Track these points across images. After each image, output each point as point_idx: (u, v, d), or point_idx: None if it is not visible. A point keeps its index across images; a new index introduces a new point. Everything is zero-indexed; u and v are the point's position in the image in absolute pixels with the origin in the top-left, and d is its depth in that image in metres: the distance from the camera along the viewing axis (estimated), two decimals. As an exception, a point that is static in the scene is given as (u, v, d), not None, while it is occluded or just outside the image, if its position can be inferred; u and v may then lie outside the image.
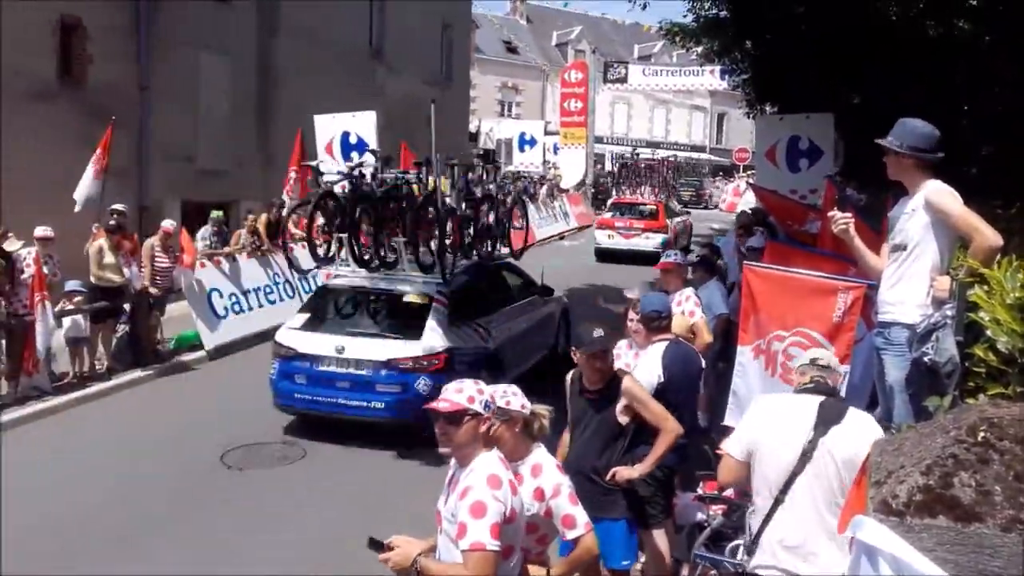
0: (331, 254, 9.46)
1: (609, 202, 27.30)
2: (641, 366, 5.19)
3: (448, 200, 9.71)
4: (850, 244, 4.46)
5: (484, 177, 11.40)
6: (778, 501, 3.44)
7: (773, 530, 3.46)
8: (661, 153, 43.73)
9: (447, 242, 9.25)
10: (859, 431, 3.34)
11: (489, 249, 11.15)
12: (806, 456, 3.40)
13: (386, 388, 8.30)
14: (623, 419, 4.67)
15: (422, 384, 8.10)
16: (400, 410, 8.14)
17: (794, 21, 12.54)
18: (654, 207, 23.90)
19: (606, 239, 22.73)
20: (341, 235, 9.15)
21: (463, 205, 10.18)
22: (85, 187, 11.34)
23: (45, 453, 8.21)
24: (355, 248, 9.09)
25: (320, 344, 8.60)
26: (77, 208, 11.31)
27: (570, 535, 3.77)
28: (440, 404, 3.26)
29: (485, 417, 3.27)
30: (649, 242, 21.60)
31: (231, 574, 5.89)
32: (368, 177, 9.26)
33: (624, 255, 21.16)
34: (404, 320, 8.75)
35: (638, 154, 37.32)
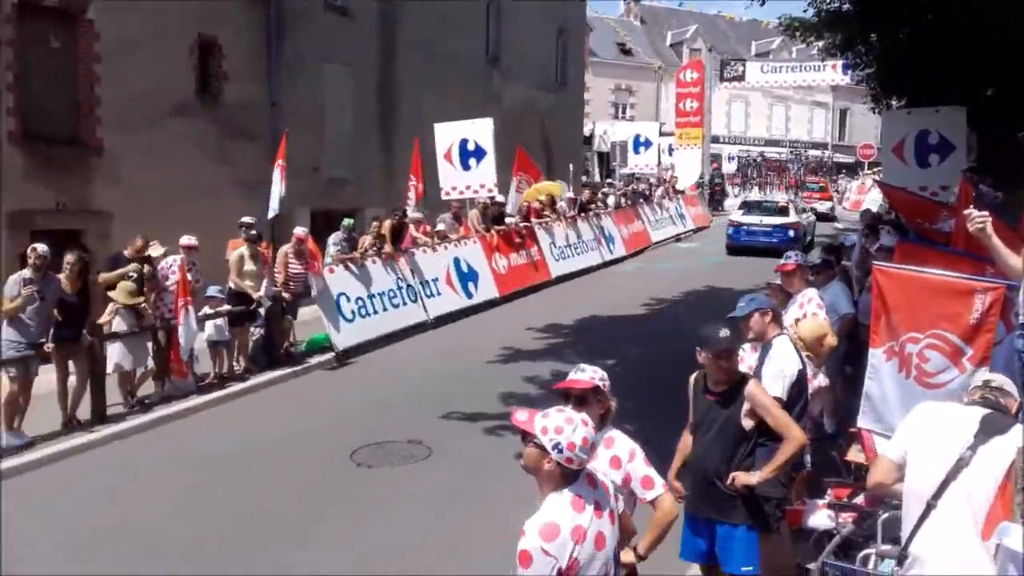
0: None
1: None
2: (777, 359, 5.11)
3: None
4: (987, 243, 4.30)
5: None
6: (930, 507, 3.35)
7: (923, 537, 3.38)
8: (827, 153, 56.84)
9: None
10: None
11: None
12: (962, 462, 3.29)
13: (777, 235, 22.44)
14: (747, 423, 4.62)
15: (790, 232, 22.53)
16: (782, 242, 21.12)
17: (922, 11, 12.09)
18: (823, 184, 42.27)
19: None
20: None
21: None
22: (276, 194, 12.39)
23: (188, 449, 8.74)
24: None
25: (751, 219, 23.70)
26: (271, 214, 12.52)
27: (649, 495, 3.89)
28: (518, 414, 3.08)
29: (549, 457, 2.97)
30: (822, 205, 34.71)
31: (355, 574, 6.13)
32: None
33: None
34: (780, 211, 24.20)
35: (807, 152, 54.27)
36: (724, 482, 4.58)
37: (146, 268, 10.02)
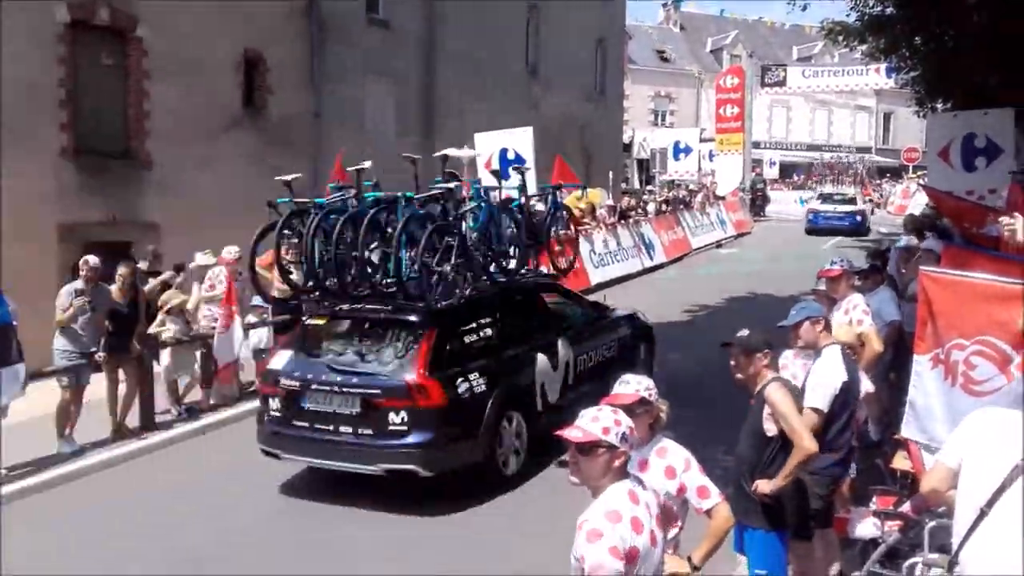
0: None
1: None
2: (821, 369, 5.08)
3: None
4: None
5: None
6: (983, 514, 3.30)
7: (974, 544, 3.33)
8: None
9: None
10: None
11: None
12: (1018, 470, 3.24)
13: (848, 219, 29.51)
14: (768, 427, 4.61)
15: (857, 217, 29.77)
16: (852, 224, 29.14)
17: (968, 12, 11.92)
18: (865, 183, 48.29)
19: None
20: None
21: None
22: None
23: (235, 456, 8.85)
24: None
25: (827, 207, 30.65)
26: None
27: (705, 505, 3.87)
28: (572, 433, 3.02)
29: (620, 451, 3.01)
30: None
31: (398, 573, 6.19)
32: None
33: None
34: (849, 201, 31.97)
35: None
36: (748, 485, 4.62)
37: (180, 275, 10.38)
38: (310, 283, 8.14)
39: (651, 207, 24.78)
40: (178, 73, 13.89)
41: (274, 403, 7.60)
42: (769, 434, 4.61)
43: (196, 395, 10.36)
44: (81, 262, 9.07)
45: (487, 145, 16.64)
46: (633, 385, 3.89)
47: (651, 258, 21.91)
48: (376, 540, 6.73)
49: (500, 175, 16.07)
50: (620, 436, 3.00)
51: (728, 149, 34.21)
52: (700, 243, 25.82)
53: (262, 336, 10.94)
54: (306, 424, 7.38)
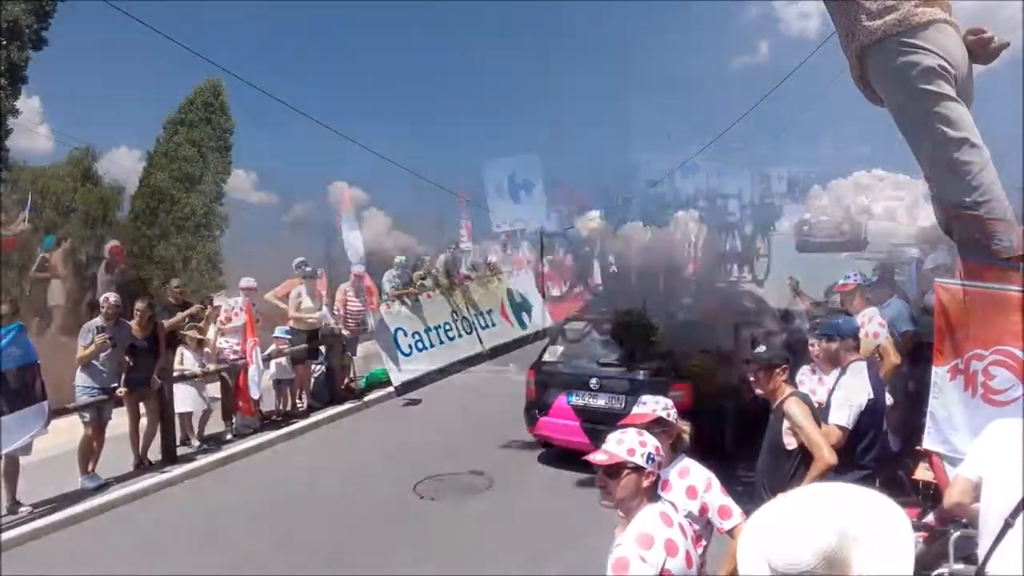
0: None
1: None
2: (847, 386, 5.10)
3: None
4: None
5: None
6: (1007, 525, 3.31)
7: (1001, 555, 3.34)
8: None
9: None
10: None
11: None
12: None
13: None
14: (788, 440, 4.64)
15: None
16: None
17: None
18: None
19: None
20: None
21: None
22: (356, 245, 12.67)
23: (256, 486, 8.92)
24: None
25: None
26: (362, 267, 12.57)
27: (727, 525, 3.89)
28: (598, 456, 3.08)
29: (648, 471, 3.06)
30: None
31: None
32: None
33: None
34: None
35: None
36: (770, 499, 4.61)
37: (208, 308, 10.42)
38: None
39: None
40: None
41: None
42: (788, 448, 4.64)
43: (214, 426, 10.43)
44: (102, 300, 9.15)
45: (496, 171, 16.84)
46: (651, 405, 3.94)
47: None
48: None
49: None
50: (646, 457, 3.05)
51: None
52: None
53: (283, 367, 11.03)
54: None
